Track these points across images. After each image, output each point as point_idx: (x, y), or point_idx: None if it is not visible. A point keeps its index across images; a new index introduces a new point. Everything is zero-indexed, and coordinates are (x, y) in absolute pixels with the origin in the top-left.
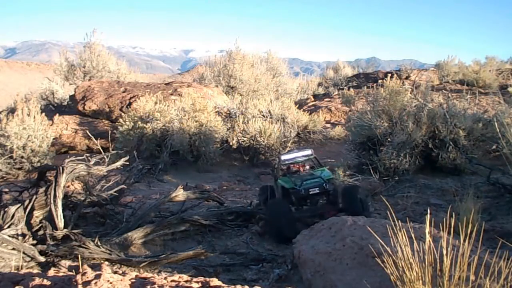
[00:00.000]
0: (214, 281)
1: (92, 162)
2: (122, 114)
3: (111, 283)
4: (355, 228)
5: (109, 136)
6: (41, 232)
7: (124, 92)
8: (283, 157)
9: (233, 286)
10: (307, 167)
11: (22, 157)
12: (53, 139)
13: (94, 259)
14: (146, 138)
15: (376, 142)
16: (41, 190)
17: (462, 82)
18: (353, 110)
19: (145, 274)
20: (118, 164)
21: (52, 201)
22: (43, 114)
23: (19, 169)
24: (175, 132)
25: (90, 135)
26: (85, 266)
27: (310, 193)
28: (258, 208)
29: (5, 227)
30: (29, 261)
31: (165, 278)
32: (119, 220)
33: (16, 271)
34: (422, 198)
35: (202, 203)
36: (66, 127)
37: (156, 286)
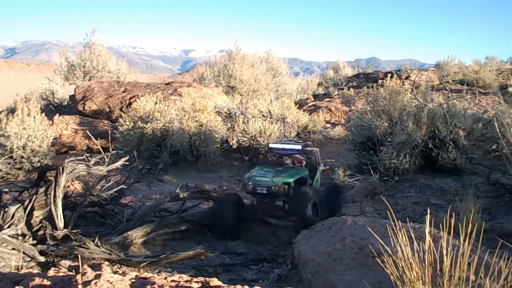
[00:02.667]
0: (214, 281)
1: (92, 162)
2: (122, 114)
3: (111, 283)
4: (355, 228)
5: (109, 136)
6: (41, 232)
7: (124, 92)
8: (271, 145)
9: (233, 286)
10: (304, 162)
11: (22, 157)
12: (53, 139)
13: (94, 259)
14: (146, 138)
15: (376, 142)
16: (41, 190)
17: (462, 82)
18: (353, 110)
19: (145, 274)
20: (118, 164)
21: (52, 201)
22: (43, 114)
23: (19, 169)
24: (175, 132)
25: (90, 135)
26: (85, 266)
27: (257, 191)
28: None
29: (5, 227)
30: (29, 261)
31: (165, 278)
32: (119, 220)
33: (16, 271)
34: (422, 198)
35: (202, 203)
36: (66, 127)
37: (156, 286)
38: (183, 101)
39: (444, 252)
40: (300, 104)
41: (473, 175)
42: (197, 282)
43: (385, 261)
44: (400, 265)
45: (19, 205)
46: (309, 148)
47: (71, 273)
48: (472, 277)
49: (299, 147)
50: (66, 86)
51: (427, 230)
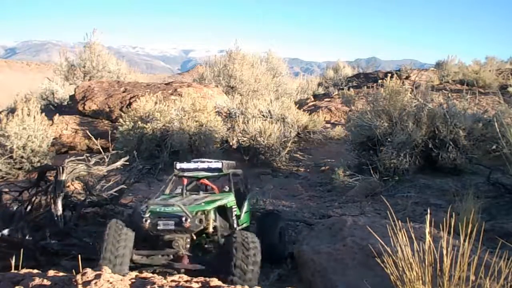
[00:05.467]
0: (214, 281)
1: (92, 162)
2: (122, 114)
3: (111, 283)
4: (355, 228)
5: (109, 136)
6: (41, 232)
7: (124, 92)
8: (180, 165)
9: (233, 286)
10: (226, 188)
11: (22, 157)
12: (53, 139)
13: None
14: (146, 138)
15: (376, 142)
16: (41, 190)
17: (462, 82)
18: (353, 110)
19: (145, 274)
20: (118, 164)
21: (52, 201)
22: (43, 114)
23: (19, 169)
24: (175, 132)
25: (90, 135)
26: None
27: (159, 228)
28: None
29: (5, 226)
30: (29, 261)
31: (165, 278)
32: None
33: (16, 271)
34: (422, 198)
35: None
36: (66, 127)
37: (156, 286)
38: (183, 101)
39: (444, 252)
40: (300, 104)
41: (473, 175)
42: (197, 282)
43: (385, 261)
44: (400, 265)
45: (19, 205)
46: (233, 170)
47: (71, 273)
48: (472, 277)
49: (218, 165)
50: (66, 86)
51: (427, 230)
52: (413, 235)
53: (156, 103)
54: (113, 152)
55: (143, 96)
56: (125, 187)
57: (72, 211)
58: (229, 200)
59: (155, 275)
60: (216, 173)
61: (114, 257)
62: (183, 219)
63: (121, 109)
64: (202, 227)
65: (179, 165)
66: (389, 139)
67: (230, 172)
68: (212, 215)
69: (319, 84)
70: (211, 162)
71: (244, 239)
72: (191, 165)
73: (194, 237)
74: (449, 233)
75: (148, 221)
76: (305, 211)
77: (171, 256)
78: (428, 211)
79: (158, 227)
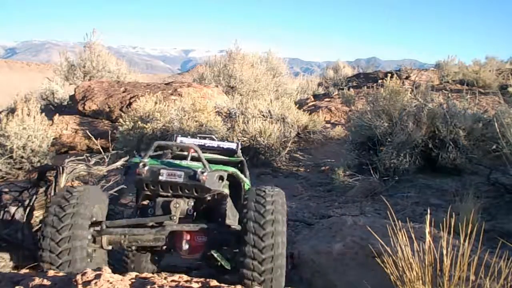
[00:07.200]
0: (214, 282)
1: (92, 162)
2: (122, 114)
3: (111, 283)
4: (355, 228)
5: (109, 136)
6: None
7: (124, 92)
8: (181, 139)
9: (233, 286)
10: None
11: (22, 157)
12: (53, 139)
13: None
14: (146, 138)
15: (376, 142)
16: (41, 190)
17: (462, 82)
18: (353, 110)
19: (145, 274)
20: (118, 164)
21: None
22: (43, 114)
23: (19, 169)
24: (175, 132)
25: (90, 135)
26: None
27: (161, 178)
28: None
29: (5, 227)
30: (29, 261)
31: (165, 278)
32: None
33: (16, 271)
34: (422, 198)
35: None
36: (66, 127)
37: (156, 286)
38: (183, 101)
39: (444, 252)
40: (300, 104)
41: (473, 175)
42: (197, 282)
43: (385, 261)
44: (400, 265)
45: (19, 205)
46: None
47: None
48: (472, 277)
49: (232, 145)
50: (66, 86)
51: (427, 230)
52: (413, 235)
53: (156, 103)
54: (113, 152)
55: (143, 96)
56: (125, 187)
57: None
58: (247, 181)
59: (155, 275)
60: (227, 158)
61: (67, 253)
62: (199, 171)
63: (121, 109)
64: (220, 190)
65: (180, 139)
66: (389, 139)
67: (243, 159)
68: (227, 189)
69: (319, 84)
70: (223, 141)
71: (258, 191)
72: (196, 141)
73: (203, 206)
74: (449, 233)
75: (147, 167)
76: (305, 211)
77: (163, 230)
78: (428, 211)
79: (160, 177)
